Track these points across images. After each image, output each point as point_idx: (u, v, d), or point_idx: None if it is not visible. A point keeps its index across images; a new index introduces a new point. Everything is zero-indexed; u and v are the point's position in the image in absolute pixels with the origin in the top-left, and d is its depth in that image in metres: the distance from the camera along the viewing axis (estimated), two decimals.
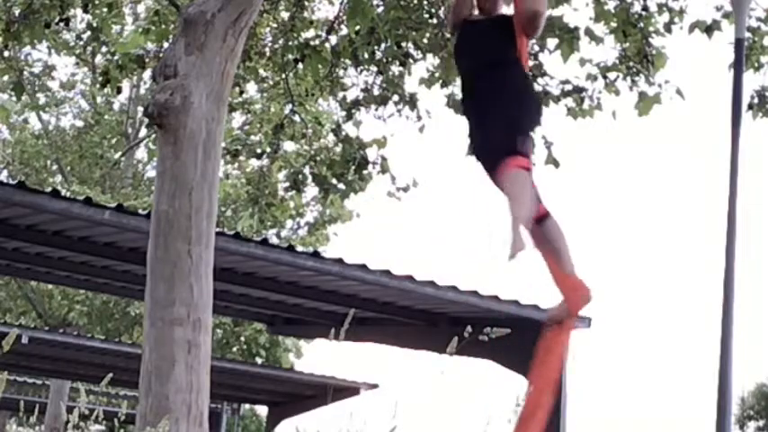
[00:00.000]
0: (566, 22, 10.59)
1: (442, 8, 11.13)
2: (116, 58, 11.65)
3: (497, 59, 5.11)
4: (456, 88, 11.41)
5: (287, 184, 13.14)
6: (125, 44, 11.75)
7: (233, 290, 11.32)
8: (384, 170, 12.11)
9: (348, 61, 11.71)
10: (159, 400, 5.64)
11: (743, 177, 9.57)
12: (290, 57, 11.66)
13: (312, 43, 11.49)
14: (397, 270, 10.76)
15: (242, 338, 24.95)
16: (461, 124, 11.66)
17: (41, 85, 24.15)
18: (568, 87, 11.19)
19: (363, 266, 10.56)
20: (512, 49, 5.12)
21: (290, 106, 12.71)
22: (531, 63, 10.97)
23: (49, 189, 9.49)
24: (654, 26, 10.91)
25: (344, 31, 11.58)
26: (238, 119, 19.63)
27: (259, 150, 13.21)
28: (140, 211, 9.91)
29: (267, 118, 14.42)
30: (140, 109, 23.52)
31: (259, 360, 24.91)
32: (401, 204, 18.46)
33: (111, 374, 5.75)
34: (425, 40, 11.23)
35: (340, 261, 10.43)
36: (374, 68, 11.62)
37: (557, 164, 11.20)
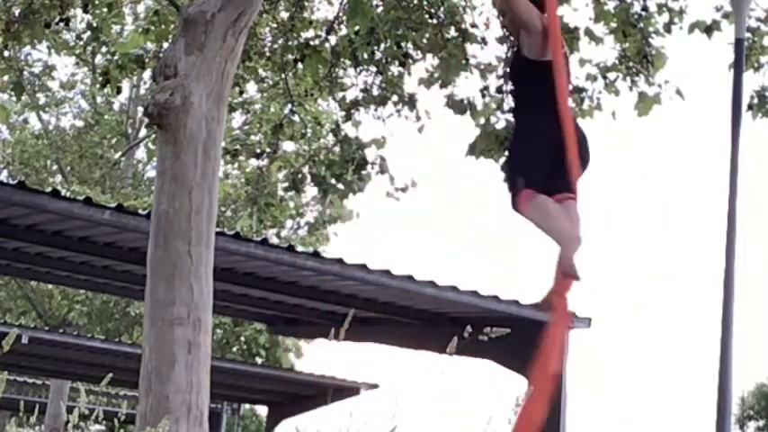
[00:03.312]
0: (565, 22, 10.59)
1: (442, 8, 11.13)
2: (116, 58, 11.65)
3: None
4: (455, 88, 11.42)
5: (286, 184, 13.15)
6: (125, 44, 11.75)
7: (233, 290, 11.32)
8: (383, 170, 12.12)
9: (347, 61, 11.71)
10: (159, 400, 5.64)
11: (743, 177, 9.59)
12: (290, 57, 11.66)
13: (312, 43, 11.50)
14: (397, 270, 10.77)
15: (242, 338, 24.95)
16: (460, 124, 11.68)
17: (41, 85, 24.15)
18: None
19: (363, 266, 10.56)
20: None
21: (289, 106, 12.72)
22: None
23: (49, 189, 9.49)
24: (654, 26, 10.91)
25: (344, 31, 11.58)
26: (238, 119, 19.65)
27: (258, 150, 13.22)
28: (140, 211, 9.91)
29: (267, 118, 14.43)
30: (140, 109, 23.52)
31: (259, 360, 24.91)
32: (402, 204, 18.44)
33: (111, 374, 5.74)
34: (425, 41, 11.22)
35: (340, 261, 10.43)
36: (373, 68, 11.62)
37: None
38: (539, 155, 5.02)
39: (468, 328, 4.88)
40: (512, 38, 5.19)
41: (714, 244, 10.22)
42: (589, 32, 10.82)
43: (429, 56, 11.42)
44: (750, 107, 11.04)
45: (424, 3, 11.13)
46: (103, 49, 12.94)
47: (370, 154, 12.08)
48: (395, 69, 11.60)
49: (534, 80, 5.11)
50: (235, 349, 24.99)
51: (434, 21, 11.16)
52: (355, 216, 26.10)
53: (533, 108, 5.12)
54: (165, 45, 10.40)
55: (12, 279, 23.14)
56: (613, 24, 10.81)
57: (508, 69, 5.30)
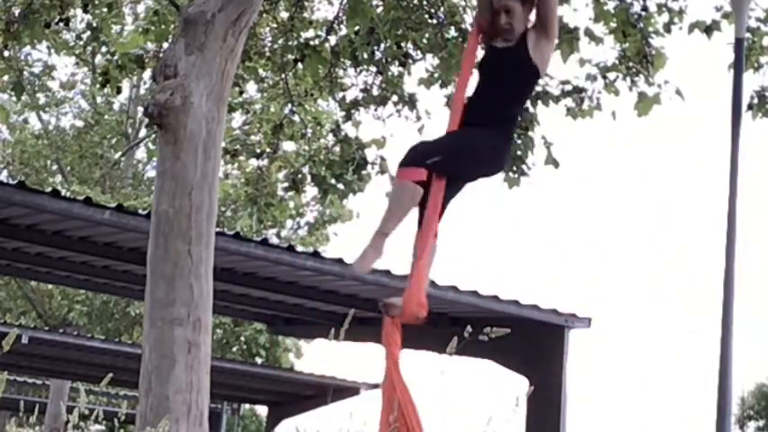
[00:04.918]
0: (565, 22, 10.59)
1: (442, 8, 11.13)
2: (116, 58, 11.65)
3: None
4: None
5: (286, 184, 13.15)
6: (125, 44, 11.75)
7: (233, 290, 11.33)
8: (383, 170, 12.12)
9: (347, 61, 11.71)
10: (159, 400, 5.64)
11: (743, 177, 9.60)
12: (290, 57, 11.66)
13: (312, 43, 11.50)
14: (397, 270, 10.76)
15: (242, 338, 24.97)
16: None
17: (41, 85, 24.18)
18: (568, 87, 11.19)
19: None
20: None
21: (289, 106, 12.72)
22: None
23: (49, 189, 9.50)
24: (653, 26, 10.90)
25: (344, 31, 11.58)
26: (238, 119, 19.64)
27: (258, 150, 13.22)
28: (140, 211, 9.92)
29: (267, 118, 14.42)
30: (140, 109, 23.52)
31: (259, 360, 24.93)
32: None
33: (111, 374, 5.74)
34: (425, 41, 11.22)
35: (340, 261, 10.43)
36: (373, 69, 11.62)
37: (556, 164, 11.21)
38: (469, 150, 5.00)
39: (469, 328, 4.88)
40: (508, 36, 5.11)
41: (714, 244, 10.23)
42: (589, 32, 10.82)
43: (429, 56, 11.42)
44: (750, 107, 11.04)
45: (424, 3, 11.13)
46: (103, 49, 12.93)
47: (370, 154, 12.09)
48: (395, 69, 11.60)
49: (527, 85, 5.20)
50: (235, 349, 25.01)
51: (434, 21, 11.16)
52: (355, 216, 26.11)
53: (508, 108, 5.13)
54: (165, 45, 10.40)
55: (12, 279, 23.15)
56: (613, 24, 10.80)
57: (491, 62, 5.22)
